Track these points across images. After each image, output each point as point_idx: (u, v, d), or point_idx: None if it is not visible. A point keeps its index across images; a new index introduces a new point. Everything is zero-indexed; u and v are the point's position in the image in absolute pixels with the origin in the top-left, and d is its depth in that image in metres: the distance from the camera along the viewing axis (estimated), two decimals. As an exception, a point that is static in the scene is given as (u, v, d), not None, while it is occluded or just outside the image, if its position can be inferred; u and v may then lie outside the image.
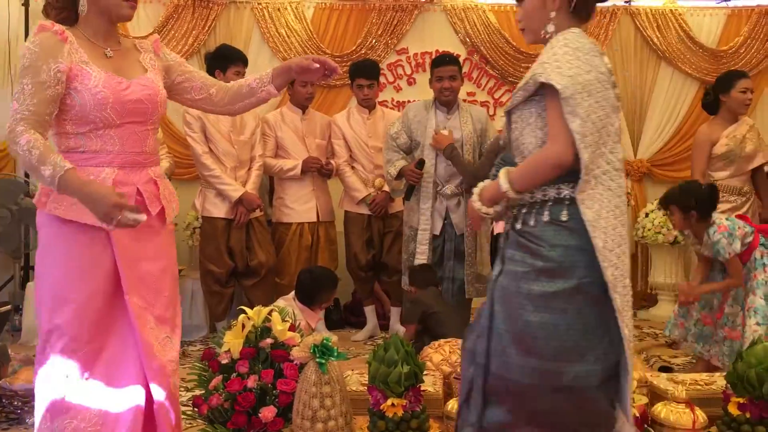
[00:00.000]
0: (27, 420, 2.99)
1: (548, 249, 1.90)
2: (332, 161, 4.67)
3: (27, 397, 3.02)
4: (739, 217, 3.60)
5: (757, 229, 3.49)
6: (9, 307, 3.42)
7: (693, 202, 3.42)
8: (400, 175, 4.27)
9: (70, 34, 1.97)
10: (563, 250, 1.88)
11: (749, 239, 3.42)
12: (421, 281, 4.01)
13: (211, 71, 4.14)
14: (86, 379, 1.97)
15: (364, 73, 4.60)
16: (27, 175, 4.88)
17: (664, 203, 3.55)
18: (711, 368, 3.49)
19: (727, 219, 3.45)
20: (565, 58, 1.87)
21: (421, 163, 4.20)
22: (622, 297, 1.88)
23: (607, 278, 1.85)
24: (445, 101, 4.28)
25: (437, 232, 4.26)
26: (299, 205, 4.60)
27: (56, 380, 1.96)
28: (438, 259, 4.26)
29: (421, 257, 4.23)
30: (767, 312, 3.34)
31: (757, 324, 3.32)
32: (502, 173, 1.96)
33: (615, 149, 1.92)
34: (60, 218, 1.96)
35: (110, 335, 2.01)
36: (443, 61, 4.33)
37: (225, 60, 4.24)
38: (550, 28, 2.01)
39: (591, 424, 1.94)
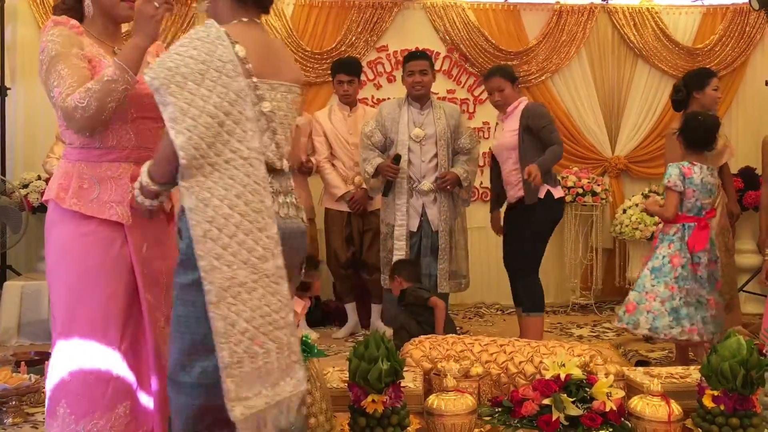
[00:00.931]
0: (5, 420, 2.97)
1: (181, 240, 1.87)
2: (312, 159, 4.67)
3: (5, 398, 3.00)
4: (709, 214, 3.63)
5: (692, 236, 3.54)
6: (-15, 306, 3.39)
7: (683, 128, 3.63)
8: (377, 172, 4.28)
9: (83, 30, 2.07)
10: (190, 240, 1.77)
11: (691, 209, 3.55)
12: (409, 274, 4.05)
13: None
14: (110, 377, 1.99)
15: (345, 68, 4.62)
16: (2, 173, 4.83)
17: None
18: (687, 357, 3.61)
19: (694, 169, 3.56)
20: (177, 50, 1.79)
21: (397, 158, 4.22)
22: (221, 289, 1.71)
23: (201, 268, 1.72)
24: (417, 96, 4.30)
25: (414, 229, 4.28)
26: None
27: (77, 379, 1.98)
28: (415, 255, 4.28)
29: (399, 253, 4.25)
30: (644, 282, 3.54)
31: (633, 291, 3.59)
32: (144, 167, 1.90)
33: (245, 138, 1.79)
34: (80, 214, 2.00)
35: (128, 332, 2.04)
36: (414, 56, 4.38)
37: None
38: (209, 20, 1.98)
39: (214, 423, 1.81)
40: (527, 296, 4.08)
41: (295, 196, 2.02)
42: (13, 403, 3.03)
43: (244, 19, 1.92)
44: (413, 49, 5.54)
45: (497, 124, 4.34)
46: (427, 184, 4.25)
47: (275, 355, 1.78)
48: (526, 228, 4.05)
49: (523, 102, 4.12)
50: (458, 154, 4.34)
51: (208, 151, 1.74)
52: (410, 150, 4.27)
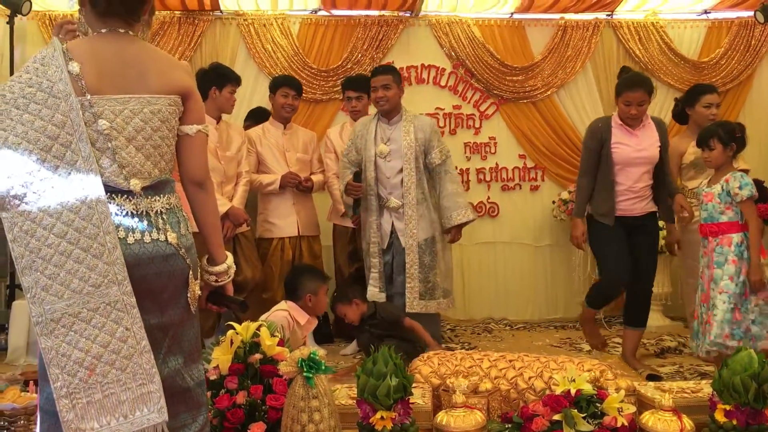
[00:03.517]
0: (13, 440, 2.97)
1: None
2: (312, 177, 4.68)
3: (13, 417, 2.99)
4: None
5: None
6: (-5, 325, 3.40)
7: (733, 136, 3.54)
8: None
9: None
10: None
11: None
12: (363, 294, 4.08)
13: (206, 87, 4.15)
14: None
15: (354, 85, 4.69)
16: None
17: (705, 138, 3.60)
18: None
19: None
20: (16, 74, 1.77)
21: (357, 176, 4.25)
22: (50, 320, 1.67)
23: (28, 300, 1.69)
24: (383, 111, 4.31)
25: (384, 246, 4.28)
26: (279, 220, 4.61)
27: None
28: (388, 274, 4.27)
29: (374, 270, 4.27)
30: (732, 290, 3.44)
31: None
32: None
33: (76, 161, 1.71)
34: None
35: None
36: (376, 71, 4.39)
37: (223, 78, 4.26)
38: (82, 27, 1.95)
39: None
40: (646, 312, 4.09)
41: (176, 215, 1.93)
42: (22, 422, 3.02)
43: (104, 30, 1.88)
44: (419, 66, 5.65)
45: (593, 133, 4.06)
46: (393, 200, 4.24)
47: (123, 385, 1.71)
48: (656, 243, 4.07)
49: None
50: (433, 170, 4.29)
51: (30, 179, 1.67)
52: (377, 166, 4.27)
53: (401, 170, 4.23)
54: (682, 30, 5.85)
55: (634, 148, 3.91)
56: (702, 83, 4.81)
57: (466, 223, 4.30)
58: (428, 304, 4.21)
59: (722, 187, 3.51)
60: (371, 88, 4.34)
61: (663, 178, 3.97)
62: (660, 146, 3.94)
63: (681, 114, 4.35)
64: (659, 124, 4.04)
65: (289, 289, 3.81)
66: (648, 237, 4.01)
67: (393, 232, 4.27)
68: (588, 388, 2.61)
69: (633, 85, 3.88)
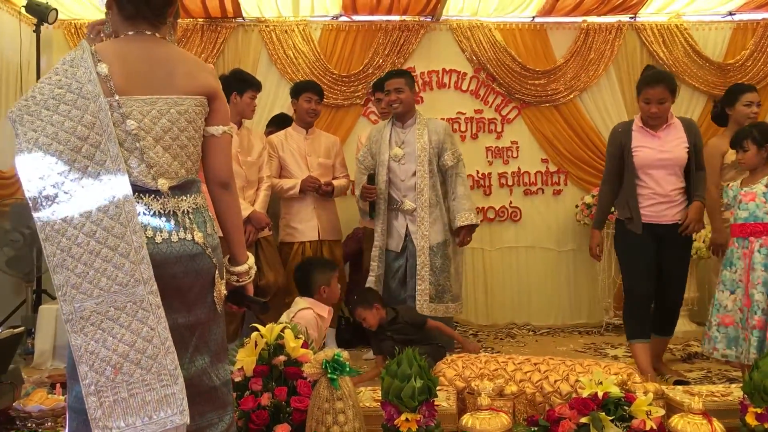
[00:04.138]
0: (41, 441, 3.00)
1: None
2: (333, 181, 4.68)
3: (41, 419, 3.02)
4: None
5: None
6: (22, 329, 3.43)
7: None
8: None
9: None
10: None
11: None
12: (381, 298, 4.04)
13: (227, 93, 4.16)
14: None
15: (383, 87, 4.66)
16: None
17: (739, 139, 3.54)
18: None
19: None
20: (44, 77, 1.79)
21: (370, 178, 4.26)
22: (80, 318, 1.69)
23: (59, 297, 1.70)
24: (398, 115, 4.33)
25: (398, 250, 4.28)
26: (301, 224, 4.62)
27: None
28: (401, 277, 4.27)
29: (371, 274, 4.30)
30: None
31: None
32: None
33: (105, 162, 1.73)
34: None
35: None
36: (389, 75, 4.42)
37: (244, 84, 4.29)
38: (107, 29, 1.96)
39: None
40: (674, 322, 3.95)
41: (203, 215, 1.94)
42: (49, 424, 3.05)
43: (130, 33, 1.89)
44: (440, 71, 5.66)
45: (617, 137, 3.89)
46: (408, 203, 4.24)
47: (148, 386, 1.72)
48: (687, 255, 3.89)
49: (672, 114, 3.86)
50: (445, 172, 4.29)
51: (61, 179, 1.70)
52: (390, 170, 4.29)
53: (415, 173, 4.24)
54: (707, 32, 5.80)
55: (657, 150, 3.74)
56: (741, 83, 4.75)
57: (472, 227, 4.27)
58: (437, 308, 4.19)
59: (766, 186, 3.44)
60: (385, 91, 4.37)
61: (694, 182, 3.76)
62: (688, 148, 3.74)
63: (720, 115, 4.26)
64: (689, 125, 3.85)
65: (302, 286, 3.82)
66: (679, 249, 3.80)
67: (407, 235, 4.27)
68: (615, 390, 2.57)
69: (652, 82, 3.72)
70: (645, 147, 3.77)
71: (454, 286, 4.30)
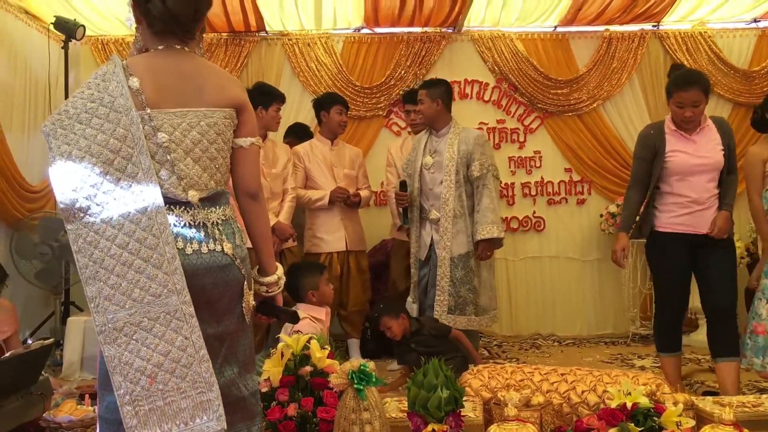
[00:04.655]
0: (71, 451, 3.03)
1: None
2: (359, 192, 4.71)
3: (70, 429, 3.05)
4: None
5: None
6: (51, 341, 3.47)
7: None
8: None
9: None
10: None
11: None
12: (395, 310, 4.02)
13: (252, 106, 4.21)
14: None
15: (412, 99, 4.71)
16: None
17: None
18: None
19: None
20: (77, 91, 1.81)
21: (402, 185, 4.30)
22: (113, 329, 1.71)
23: (91, 309, 1.72)
24: (420, 126, 4.56)
25: (423, 258, 4.30)
26: (328, 235, 4.64)
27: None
28: (424, 286, 4.29)
29: (413, 281, 4.36)
30: None
31: None
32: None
33: (137, 174, 1.75)
34: None
35: None
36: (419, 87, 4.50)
37: (268, 97, 4.32)
38: (138, 44, 1.97)
39: None
40: (734, 339, 3.51)
41: (231, 226, 1.95)
42: (78, 434, 3.09)
43: (160, 47, 1.92)
44: (462, 81, 5.68)
45: (647, 140, 3.66)
46: (434, 212, 4.25)
47: (183, 393, 1.73)
48: (732, 258, 3.60)
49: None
50: (473, 183, 4.25)
51: (94, 191, 1.72)
52: (422, 178, 4.32)
53: (442, 182, 4.24)
54: (732, 39, 5.75)
55: (694, 155, 3.49)
56: None
57: (494, 240, 4.19)
58: (457, 319, 4.15)
59: None
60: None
61: (724, 187, 3.52)
62: (723, 150, 3.49)
63: (761, 121, 4.10)
64: (721, 124, 3.59)
65: (291, 293, 3.79)
66: (720, 250, 3.50)
67: (432, 244, 4.27)
68: (645, 401, 2.54)
69: (685, 84, 3.43)
70: (680, 152, 3.53)
71: (482, 298, 4.24)
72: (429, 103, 4.29)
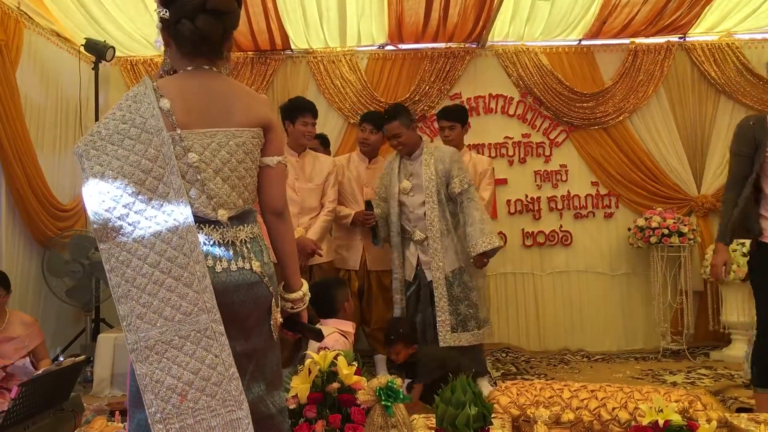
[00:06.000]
0: (101, 468, 3.05)
1: None
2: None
3: (101, 446, 3.08)
4: None
5: None
6: (83, 358, 3.52)
7: None
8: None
9: None
10: None
11: None
12: (410, 340, 3.94)
13: (282, 123, 4.27)
14: None
15: (445, 115, 4.69)
16: (97, 230, 5.06)
17: None
18: None
19: None
20: (109, 112, 1.83)
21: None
22: (145, 348, 1.72)
23: (124, 328, 1.73)
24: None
25: (410, 279, 4.30)
26: (346, 252, 4.67)
27: None
28: (413, 307, 4.27)
29: (396, 306, 4.33)
30: None
31: None
32: None
33: (169, 194, 1.77)
34: None
35: None
36: (384, 120, 4.39)
37: (295, 111, 4.30)
38: (166, 66, 1.99)
39: None
40: None
41: (259, 244, 1.95)
42: (108, 450, 3.11)
43: (189, 68, 1.94)
44: (486, 96, 5.68)
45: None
46: (418, 233, 4.25)
47: (213, 411, 1.73)
48: None
49: None
50: (455, 199, 4.22)
51: (126, 211, 1.74)
52: (401, 202, 4.32)
53: (424, 203, 4.23)
54: (760, 50, 5.68)
55: None
56: None
57: (492, 251, 4.18)
58: (461, 337, 4.12)
59: None
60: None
61: None
62: None
63: None
64: None
65: (325, 308, 3.73)
66: None
67: (419, 264, 4.28)
68: (677, 418, 2.50)
69: None
70: None
71: (479, 311, 4.23)
72: (406, 131, 4.28)
